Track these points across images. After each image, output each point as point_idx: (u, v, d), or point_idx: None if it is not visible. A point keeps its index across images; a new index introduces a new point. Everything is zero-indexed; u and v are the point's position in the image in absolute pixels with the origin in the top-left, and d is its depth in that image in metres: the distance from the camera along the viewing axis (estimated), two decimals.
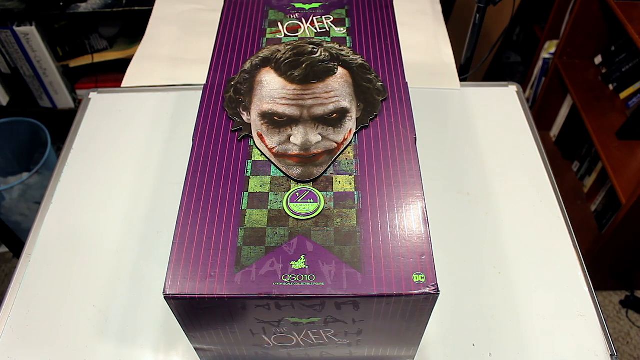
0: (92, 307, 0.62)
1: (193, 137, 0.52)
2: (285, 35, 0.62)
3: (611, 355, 0.58)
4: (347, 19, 0.64)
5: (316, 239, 0.44)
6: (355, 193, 0.47)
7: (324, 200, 0.47)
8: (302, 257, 0.43)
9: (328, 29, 0.63)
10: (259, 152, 0.50)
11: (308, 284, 0.41)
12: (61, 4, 1.47)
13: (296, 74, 0.56)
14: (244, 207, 0.46)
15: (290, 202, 0.47)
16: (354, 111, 0.53)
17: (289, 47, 0.59)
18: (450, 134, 0.80)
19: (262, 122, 0.52)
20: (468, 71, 1.06)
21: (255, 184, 0.48)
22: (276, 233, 0.45)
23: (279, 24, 0.64)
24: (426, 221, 0.46)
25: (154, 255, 0.66)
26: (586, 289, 0.64)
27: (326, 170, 0.49)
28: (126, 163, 0.77)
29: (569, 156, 1.78)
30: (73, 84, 1.72)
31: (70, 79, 1.71)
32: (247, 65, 0.58)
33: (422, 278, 0.42)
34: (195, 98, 0.85)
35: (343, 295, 0.41)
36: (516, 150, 0.78)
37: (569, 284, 0.64)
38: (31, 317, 0.61)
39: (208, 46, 0.95)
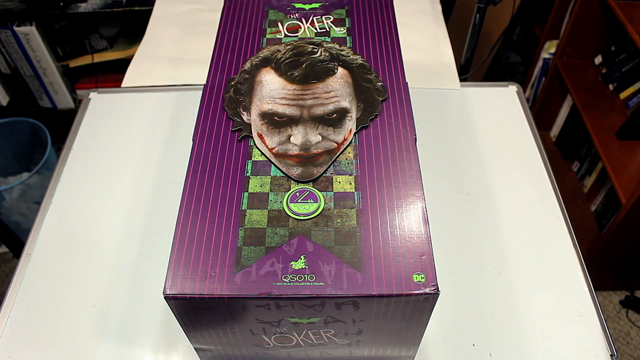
0: (92, 307, 0.62)
1: (193, 137, 0.52)
2: (285, 35, 0.62)
3: (611, 355, 0.58)
4: (347, 19, 0.64)
5: (316, 239, 0.44)
6: (355, 193, 0.47)
7: (324, 200, 0.47)
8: (302, 257, 0.43)
9: (328, 29, 0.63)
10: (259, 152, 0.50)
11: (308, 284, 0.41)
12: (61, 4, 1.47)
13: (296, 74, 0.56)
14: (244, 207, 0.46)
15: (290, 202, 0.47)
16: (354, 111, 0.53)
17: (289, 47, 0.59)
18: (450, 134, 0.80)
19: (262, 122, 0.52)
20: (468, 71, 1.06)
21: (255, 184, 0.48)
22: (276, 233, 0.45)
23: (279, 24, 0.64)
24: (426, 221, 0.46)
25: (154, 255, 0.66)
26: (586, 289, 0.64)
27: (326, 170, 0.49)
28: (126, 163, 0.77)
29: (569, 156, 1.78)
30: (73, 84, 1.72)
31: (70, 79, 1.71)
32: (247, 65, 0.58)
33: (422, 278, 0.42)
34: (195, 98, 0.85)
35: (343, 295, 0.41)
36: (516, 150, 0.78)
37: (569, 284, 0.64)
38: (31, 317, 0.61)
39: (208, 46, 0.95)
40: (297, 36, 0.62)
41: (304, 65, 0.57)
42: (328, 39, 0.61)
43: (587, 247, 1.50)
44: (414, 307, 0.43)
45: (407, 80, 0.60)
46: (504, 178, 0.75)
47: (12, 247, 1.40)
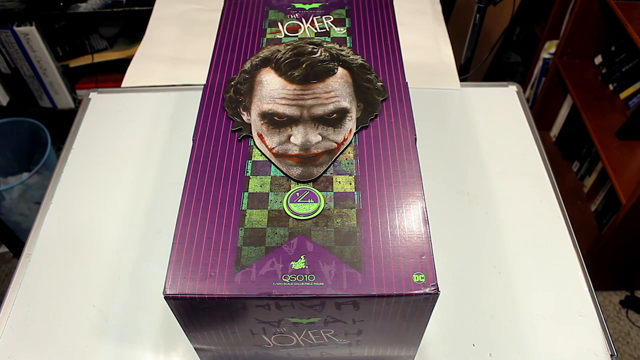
0: (92, 307, 0.62)
1: (193, 137, 0.52)
2: (285, 35, 0.62)
3: (611, 355, 0.58)
4: (347, 19, 0.64)
5: (316, 239, 0.44)
6: (355, 193, 0.47)
7: (324, 200, 0.47)
8: (302, 257, 0.43)
9: (328, 29, 0.63)
10: (259, 152, 0.50)
11: (308, 284, 0.41)
12: (61, 4, 1.47)
13: (296, 74, 0.56)
14: (244, 207, 0.46)
15: (290, 202, 0.47)
16: (354, 111, 0.53)
17: (289, 47, 0.59)
18: (450, 134, 0.80)
19: (262, 122, 0.52)
20: (468, 71, 1.06)
21: (255, 184, 0.48)
22: (276, 233, 0.45)
23: (279, 24, 0.64)
24: (426, 221, 0.46)
25: (154, 255, 0.66)
26: (586, 289, 0.64)
27: (326, 170, 0.49)
28: (126, 163, 0.77)
29: (569, 156, 1.78)
30: (73, 84, 1.72)
31: (70, 79, 1.71)
32: (247, 65, 0.58)
33: (422, 278, 0.42)
34: (195, 98, 0.85)
35: (343, 295, 0.41)
36: (516, 150, 0.78)
37: (569, 284, 0.64)
38: (31, 317, 0.61)
39: (208, 46, 0.95)
40: (297, 36, 0.62)
41: (304, 65, 0.57)
42: (328, 39, 0.61)
43: (587, 247, 1.50)
44: (414, 307, 0.43)
45: (407, 80, 0.60)
46: (504, 178, 0.75)
47: (12, 247, 1.40)
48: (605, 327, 0.61)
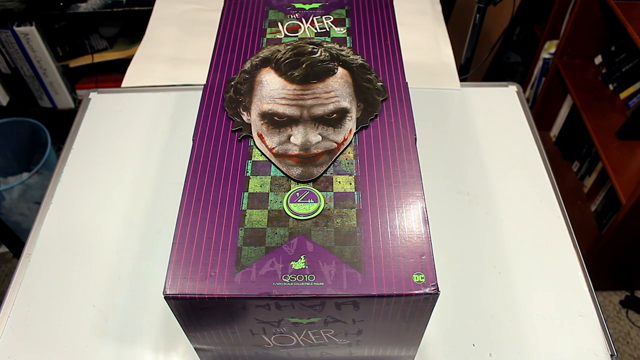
0: (92, 307, 0.62)
1: (193, 137, 0.52)
2: (285, 35, 0.62)
3: (611, 355, 0.58)
4: (347, 19, 0.64)
5: (316, 239, 0.44)
6: (355, 193, 0.47)
7: (324, 200, 0.47)
8: (302, 257, 0.43)
9: (328, 29, 0.63)
10: (259, 152, 0.50)
11: (308, 284, 0.41)
12: (61, 4, 1.47)
13: (296, 74, 0.56)
14: (244, 207, 0.46)
15: (290, 202, 0.47)
16: (354, 111, 0.53)
17: (289, 47, 0.59)
18: (450, 134, 0.80)
19: (262, 122, 0.52)
20: (468, 71, 1.06)
21: (255, 184, 0.48)
22: (276, 233, 0.45)
23: (279, 24, 0.64)
24: (426, 221, 0.46)
25: (154, 255, 0.66)
26: (586, 289, 0.64)
27: (326, 170, 0.49)
28: (126, 163, 0.77)
29: (569, 156, 1.78)
30: (73, 84, 1.72)
31: (70, 79, 1.71)
32: (247, 65, 0.58)
33: (422, 278, 0.42)
34: (195, 98, 0.85)
35: (343, 295, 0.41)
36: (516, 150, 0.78)
37: (569, 284, 0.64)
38: (31, 317, 0.61)
39: (208, 46, 0.95)
40: (297, 36, 0.62)
41: (304, 65, 0.57)
42: (328, 39, 0.61)
43: (587, 247, 1.50)
44: (414, 307, 0.43)
45: (407, 80, 0.60)
46: (504, 178, 0.75)
47: (12, 247, 1.40)
48: (605, 327, 0.61)
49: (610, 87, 1.53)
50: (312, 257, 0.43)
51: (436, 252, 0.66)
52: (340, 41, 0.61)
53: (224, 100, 0.55)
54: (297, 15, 0.65)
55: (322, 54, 0.58)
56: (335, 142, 0.51)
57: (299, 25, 0.63)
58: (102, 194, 0.73)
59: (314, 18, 0.64)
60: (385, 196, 0.47)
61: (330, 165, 0.49)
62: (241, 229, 0.45)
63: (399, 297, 0.41)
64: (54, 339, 0.60)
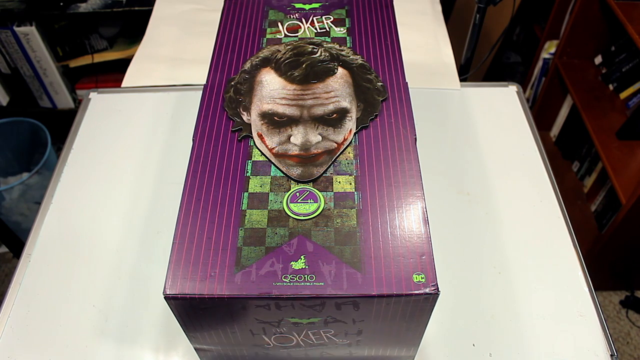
0: (92, 307, 0.62)
1: (193, 137, 0.52)
2: (285, 35, 0.62)
3: (611, 356, 0.58)
4: (347, 19, 0.64)
5: (316, 239, 0.44)
6: (355, 193, 0.47)
7: (324, 200, 0.47)
8: (302, 257, 0.43)
9: (328, 29, 0.63)
10: (259, 152, 0.50)
11: (308, 284, 0.41)
12: (61, 4, 1.47)
13: (296, 74, 0.56)
14: (244, 207, 0.46)
15: (290, 202, 0.47)
16: (354, 111, 0.53)
17: (289, 47, 0.59)
18: (450, 134, 0.80)
19: (262, 122, 0.52)
20: (468, 71, 1.06)
21: (255, 184, 0.48)
22: (276, 233, 0.45)
23: (279, 24, 0.64)
24: (426, 221, 0.46)
25: (154, 255, 0.66)
26: (586, 289, 0.64)
27: (326, 170, 0.49)
28: (126, 163, 0.77)
29: (569, 156, 1.78)
30: (73, 84, 1.72)
31: (70, 79, 1.71)
32: (247, 65, 0.58)
33: (422, 278, 0.42)
34: (195, 98, 0.85)
35: (343, 295, 0.41)
36: (516, 150, 0.78)
37: (569, 284, 0.64)
38: (31, 317, 0.61)
39: (208, 46, 0.95)
40: (297, 36, 0.62)
41: (304, 65, 0.57)
42: (328, 39, 0.61)
43: (587, 247, 1.50)
44: (414, 307, 0.43)
45: (407, 80, 0.60)
46: (504, 178, 0.75)
47: (12, 247, 1.40)
48: (605, 327, 0.61)
49: (610, 87, 1.53)
50: (312, 257, 0.43)
51: (436, 252, 0.66)
52: (340, 41, 0.61)
53: (224, 100, 0.55)
54: (297, 15, 0.65)
55: (322, 54, 0.58)
56: (335, 142, 0.51)
57: (299, 25, 0.63)
58: (102, 194, 0.73)
59: (314, 18, 0.64)
60: (385, 196, 0.47)
61: (330, 165, 0.49)
62: (241, 229, 0.45)
63: (399, 297, 0.41)
64: (54, 339, 0.60)
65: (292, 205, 0.46)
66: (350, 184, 0.48)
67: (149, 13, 1.03)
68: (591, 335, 0.60)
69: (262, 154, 0.50)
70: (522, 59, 2.04)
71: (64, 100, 1.72)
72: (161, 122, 0.82)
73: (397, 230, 0.45)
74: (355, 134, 0.52)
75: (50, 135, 1.58)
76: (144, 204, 0.72)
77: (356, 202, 0.47)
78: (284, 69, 0.56)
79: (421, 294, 0.41)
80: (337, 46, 0.60)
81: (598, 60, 1.60)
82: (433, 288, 0.41)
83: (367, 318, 0.44)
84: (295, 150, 0.50)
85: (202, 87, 0.57)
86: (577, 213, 1.61)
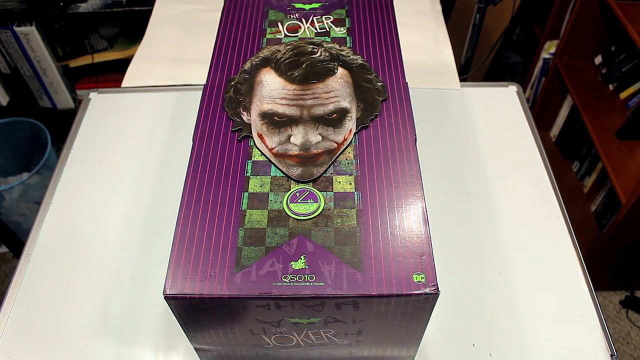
0: (92, 307, 0.62)
1: (193, 137, 0.52)
2: (285, 35, 0.62)
3: (611, 356, 0.58)
4: (347, 19, 0.64)
5: (316, 239, 0.44)
6: (355, 193, 0.47)
7: (324, 200, 0.47)
8: (302, 257, 0.43)
9: (328, 29, 0.63)
10: (259, 152, 0.50)
11: (308, 284, 0.41)
12: (61, 4, 1.47)
13: (296, 74, 0.56)
14: (244, 207, 0.46)
15: (290, 202, 0.47)
16: (354, 111, 0.53)
17: (289, 47, 0.59)
18: (450, 134, 0.80)
19: (262, 122, 0.52)
20: (468, 71, 1.06)
21: (255, 184, 0.48)
22: (276, 233, 0.45)
23: (279, 24, 0.64)
24: (426, 221, 0.46)
25: (154, 255, 0.66)
26: (586, 289, 0.64)
27: (326, 170, 0.49)
28: (126, 163, 0.77)
29: (569, 156, 1.78)
30: (73, 84, 1.72)
31: (70, 79, 1.71)
32: (247, 65, 0.58)
33: (422, 278, 0.42)
34: (195, 98, 0.85)
35: (343, 295, 0.41)
36: (516, 150, 0.78)
37: (569, 284, 0.64)
38: (31, 317, 0.61)
39: (208, 46, 0.95)
40: (297, 36, 0.62)
41: (304, 65, 0.57)
42: (328, 39, 0.61)
43: (587, 247, 1.50)
44: (414, 307, 0.43)
45: (407, 80, 0.60)
46: (504, 178, 0.75)
47: (12, 247, 1.40)
48: (605, 327, 0.61)
49: (610, 87, 1.53)
50: (312, 257, 0.43)
51: (436, 252, 0.66)
52: (340, 41, 0.61)
53: (224, 100, 0.55)
54: (297, 15, 0.65)
55: (322, 54, 0.58)
56: (335, 142, 0.51)
57: (299, 25, 0.63)
58: (102, 194, 0.73)
59: (314, 18, 0.64)
60: (385, 196, 0.47)
61: (330, 165, 0.49)
62: (241, 229, 0.45)
63: (399, 297, 0.41)
64: (54, 339, 0.60)
65: (292, 205, 0.46)
66: (350, 184, 0.48)
67: (149, 13, 1.03)
68: (591, 335, 0.60)
69: (262, 154, 0.50)
70: (522, 59, 2.04)
71: (64, 100, 1.72)
72: (161, 122, 0.82)
73: (397, 230, 0.45)
74: (355, 134, 0.52)
75: (50, 135, 1.58)
76: (144, 204, 0.72)
77: (356, 202, 0.47)
78: (284, 69, 0.56)
79: (421, 294, 0.41)
80: (337, 46, 0.60)
81: (598, 60, 1.60)
82: (433, 288, 0.41)
83: (367, 318, 0.44)
84: (295, 150, 0.50)
85: (202, 87, 0.57)
86: (577, 213, 1.61)
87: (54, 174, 0.76)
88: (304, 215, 0.46)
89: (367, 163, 0.49)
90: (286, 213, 0.46)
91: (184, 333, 0.54)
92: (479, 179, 0.74)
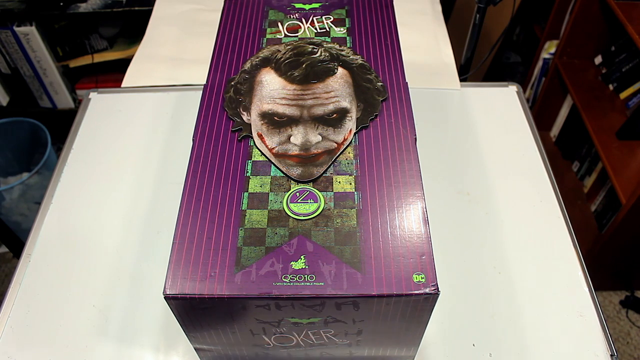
0: (92, 307, 0.62)
1: (193, 137, 0.52)
2: (285, 35, 0.62)
3: (611, 355, 0.58)
4: (347, 19, 0.64)
5: (316, 239, 0.44)
6: (355, 193, 0.47)
7: (324, 200, 0.47)
8: (302, 257, 0.43)
9: (328, 29, 0.63)
10: (259, 152, 0.50)
11: (308, 284, 0.41)
12: (61, 4, 1.47)
13: (296, 74, 0.56)
14: (244, 207, 0.46)
15: (290, 202, 0.47)
16: (354, 111, 0.53)
17: (289, 47, 0.59)
18: (450, 134, 0.80)
19: (262, 122, 0.52)
20: (468, 71, 1.06)
21: (255, 184, 0.48)
22: (276, 233, 0.45)
23: (279, 24, 0.64)
24: (426, 221, 0.46)
25: (154, 255, 0.66)
26: (586, 289, 0.64)
27: (326, 170, 0.49)
28: (126, 163, 0.77)
29: (569, 156, 1.78)
30: (73, 84, 1.72)
31: (70, 79, 1.71)
32: (247, 65, 0.58)
33: (422, 278, 0.42)
34: (195, 98, 0.85)
35: (343, 295, 0.41)
36: (516, 150, 0.78)
37: (569, 284, 0.64)
38: (31, 317, 0.61)
39: (208, 46, 0.95)
40: (297, 36, 0.62)
41: (304, 65, 0.57)
42: (328, 39, 0.61)
43: (587, 247, 1.50)
44: (414, 307, 0.43)
45: (407, 80, 0.60)
46: (504, 178, 0.75)
47: (12, 247, 1.40)
48: (605, 327, 0.61)
49: (610, 87, 1.53)
50: (312, 257, 0.43)
51: (436, 252, 0.66)
52: (340, 41, 0.61)
53: (224, 100, 0.55)
54: (297, 15, 0.65)
55: (322, 54, 0.58)
56: (335, 142, 0.51)
57: (299, 25, 0.63)
58: (102, 194, 0.73)
59: (314, 18, 0.64)
60: (385, 196, 0.47)
61: (330, 165, 0.49)
62: (241, 229, 0.45)
63: (399, 297, 0.41)
64: (53, 339, 0.60)
65: (292, 205, 0.46)
66: (350, 184, 0.48)
67: (149, 13, 1.03)
68: (591, 335, 0.60)
69: (262, 154, 0.50)
70: (522, 59, 2.04)
71: (64, 100, 1.72)
72: (161, 122, 0.82)
73: (397, 230, 0.45)
74: (355, 134, 0.52)
75: (50, 135, 1.58)
76: (144, 204, 0.72)
77: (356, 202, 0.47)
78: (284, 69, 0.56)
79: (421, 294, 0.41)
80: (337, 46, 0.60)
81: (598, 60, 1.60)
82: (433, 288, 0.41)
83: (367, 318, 0.44)
84: (295, 150, 0.50)
85: (202, 87, 0.57)
86: (577, 213, 1.61)
87: (54, 174, 0.76)
88: (304, 215, 0.46)
89: (367, 163, 0.49)
90: (286, 213, 0.46)
91: (184, 333, 0.54)
92: (479, 179, 0.74)
